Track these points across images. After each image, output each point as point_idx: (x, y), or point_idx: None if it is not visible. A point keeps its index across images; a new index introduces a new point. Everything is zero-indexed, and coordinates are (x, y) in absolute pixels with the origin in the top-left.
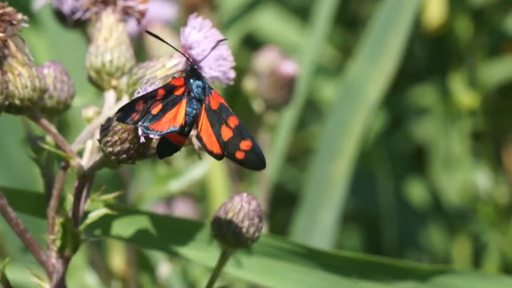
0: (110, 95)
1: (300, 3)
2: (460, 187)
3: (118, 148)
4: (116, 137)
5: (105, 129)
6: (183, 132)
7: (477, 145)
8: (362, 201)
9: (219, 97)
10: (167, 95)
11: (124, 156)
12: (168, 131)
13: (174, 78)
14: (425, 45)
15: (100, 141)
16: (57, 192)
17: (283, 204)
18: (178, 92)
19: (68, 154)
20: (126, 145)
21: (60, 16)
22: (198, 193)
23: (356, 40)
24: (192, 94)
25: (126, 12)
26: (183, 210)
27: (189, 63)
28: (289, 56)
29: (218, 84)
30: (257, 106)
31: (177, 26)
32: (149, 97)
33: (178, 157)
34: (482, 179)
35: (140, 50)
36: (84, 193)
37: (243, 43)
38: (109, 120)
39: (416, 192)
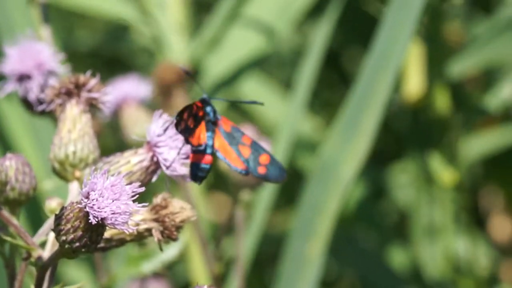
0: (74, 186)
1: (284, 71)
2: (441, 255)
3: (71, 236)
4: (69, 225)
5: (59, 217)
6: (205, 152)
7: (459, 213)
8: (344, 266)
9: (228, 121)
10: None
11: (78, 244)
12: (202, 147)
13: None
14: (405, 117)
15: (54, 230)
16: (18, 284)
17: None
18: (200, 113)
19: (30, 246)
20: (79, 233)
21: (27, 104)
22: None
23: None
24: (207, 117)
25: (91, 104)
26: None
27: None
28: (266, 133)
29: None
30: (232, 184)
31: (152, 105)
32: (189, 111)
33: (151, 240)
34: (463, 248)
35: (115, 129)
36: (46, 285)
37: (229, 109)
38: (62, 208)
39: (398, 259)
